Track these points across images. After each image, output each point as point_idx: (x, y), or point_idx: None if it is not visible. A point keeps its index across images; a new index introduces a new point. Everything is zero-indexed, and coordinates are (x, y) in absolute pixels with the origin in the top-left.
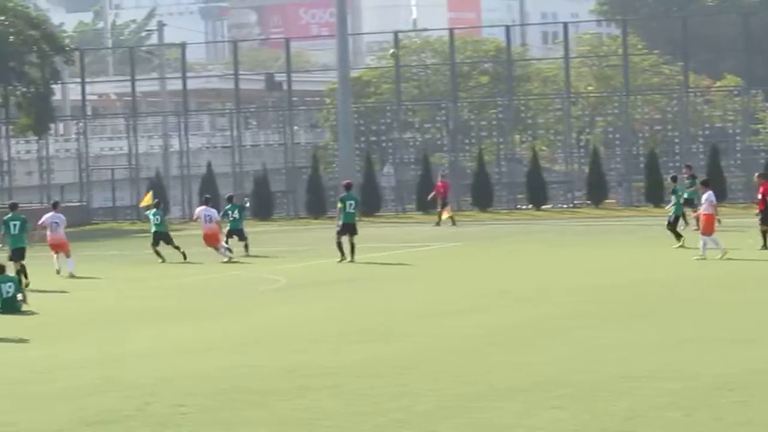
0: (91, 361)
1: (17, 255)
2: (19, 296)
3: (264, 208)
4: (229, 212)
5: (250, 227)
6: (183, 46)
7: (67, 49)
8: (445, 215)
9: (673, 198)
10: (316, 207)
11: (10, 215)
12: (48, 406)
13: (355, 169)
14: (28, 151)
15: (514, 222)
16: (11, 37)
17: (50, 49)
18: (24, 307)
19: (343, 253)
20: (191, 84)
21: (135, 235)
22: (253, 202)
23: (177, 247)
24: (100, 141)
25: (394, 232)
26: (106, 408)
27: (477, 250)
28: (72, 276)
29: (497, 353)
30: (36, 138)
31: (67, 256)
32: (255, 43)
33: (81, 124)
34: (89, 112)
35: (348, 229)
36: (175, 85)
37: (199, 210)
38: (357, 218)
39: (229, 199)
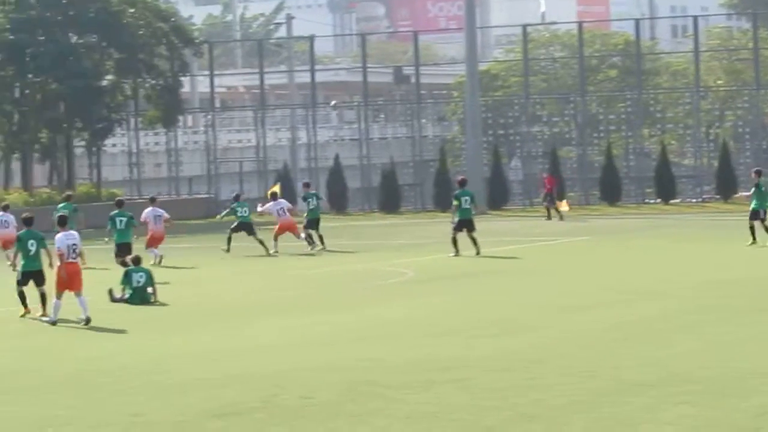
0: (217, 353)
1: (123, 250)
2: (149, 289)
3: (391, 201)
4: (309, 200)
5: (379, 220)
6: (311, 38)
7: (196, 41)
8: (563, 207)
9: (753, 190)
10: (444, 200)
11: (116, 212)
12: (175, 397)
13: (483, 163)
14: (156, 143)
15: (643, 216)
16: (141, 30)
17: (179, 41)
18: (152, 299)
19: (457, 250)
20: (319, 77)
21: (261, 227)
22: (380, 195)
23: (260, 241)
24: (228, 133)
25: (521, 226)
26: (233, 400)
27: (604, 244)
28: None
29: (625, 348)
30: (165, 130)
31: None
32: (383, 36)
33: (209, 117)
34: (218, 105)
35: (465, 224)
36: (304, 77)
37: (270, 206)
38: (474, 213)
39: (306, 186)
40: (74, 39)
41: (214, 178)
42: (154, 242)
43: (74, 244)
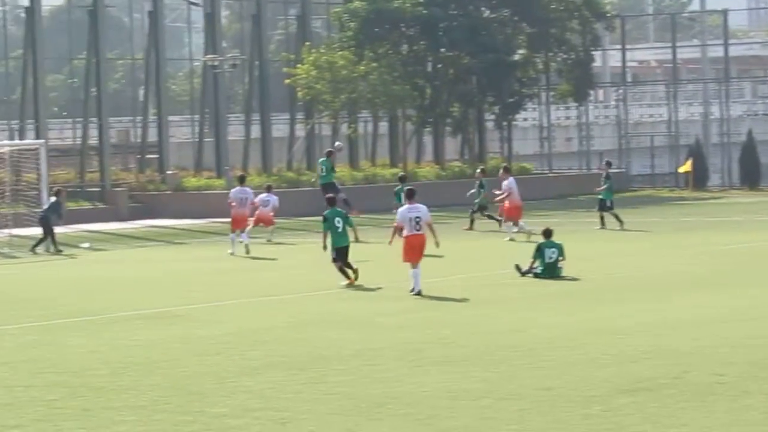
0: (629, 328)
1: None
2: (560, 259)
3: None
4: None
5: None
6: (725, 12)
7: (608, 15)
8: None
9: None
10: None
11: (400, 186)
12: (585, 372)
13: None
14: (567, 117)
15: None
16: (553, 4)
17: (591, 15)
18: (563, 273)
19: None
20: (733, 51)
21: (673, 202)
22: None
23: (496, 219)
24: (639, 108)
25: None
26: (643, 376)
27: None
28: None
29: None
30: (576, 104)
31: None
32: None
33: (621, 91)
34: (629, 79)
35: None
36: (716, 52)
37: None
38: None
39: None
40: (486, 13)
41: (625, 152)
42: (513, 213)
43: (417, 217)
